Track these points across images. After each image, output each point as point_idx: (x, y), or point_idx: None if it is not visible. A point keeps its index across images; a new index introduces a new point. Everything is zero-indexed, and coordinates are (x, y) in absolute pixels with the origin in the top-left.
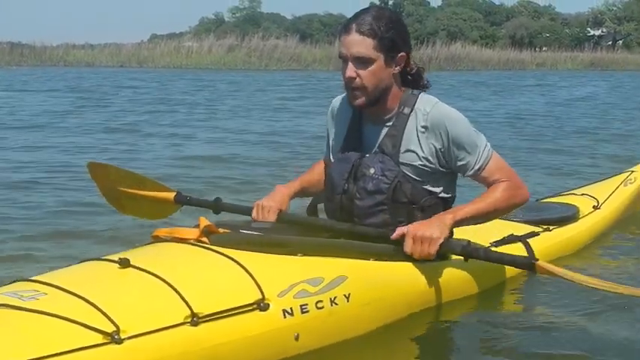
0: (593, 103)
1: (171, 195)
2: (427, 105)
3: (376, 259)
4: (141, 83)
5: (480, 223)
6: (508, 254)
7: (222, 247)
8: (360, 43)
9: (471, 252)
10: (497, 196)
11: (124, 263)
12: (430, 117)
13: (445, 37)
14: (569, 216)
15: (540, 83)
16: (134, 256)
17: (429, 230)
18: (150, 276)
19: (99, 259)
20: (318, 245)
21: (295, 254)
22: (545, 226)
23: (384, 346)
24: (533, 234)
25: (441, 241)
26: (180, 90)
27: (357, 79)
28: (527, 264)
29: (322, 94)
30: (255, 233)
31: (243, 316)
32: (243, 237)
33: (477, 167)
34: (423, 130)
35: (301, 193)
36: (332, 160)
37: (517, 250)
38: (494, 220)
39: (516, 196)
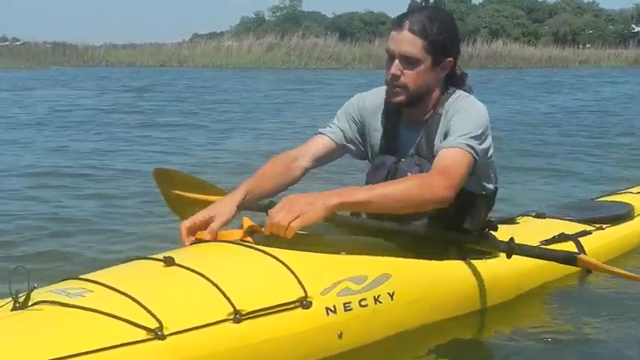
0: None
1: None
2: (454, 99)
3: (421, 258)
4: (217, 82)
5: (384, 212)
6: (550, 249)
7: (266, 246)
8: (410, 42)
9: (513, 248)
10: (407, 186)
11: (169, 262)
12: (449, 110)
13: (487, 34)
14: (623, 214)
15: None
16: (178, 255)
17: (301, 206)
18: (193, 274)
19: (145, 257)
20: (362, 244)
21: (339, 253)
22: (598, 225)
23: (427, 346)
24: (585, 232)
25: (305, 222)
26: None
27: (402, 78)
28: (570, 258)
29: None
30: (301, 232)
31: (286, 313)
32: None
33: (442, 144)
34: (444, 125)
35: (246, 200)
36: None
37: (568, 248)
38: (545, 219)
39: (427, 194)
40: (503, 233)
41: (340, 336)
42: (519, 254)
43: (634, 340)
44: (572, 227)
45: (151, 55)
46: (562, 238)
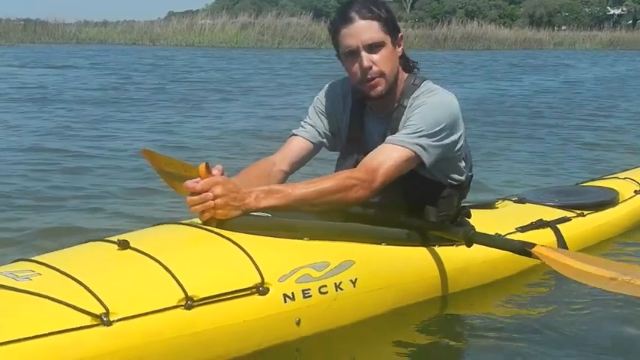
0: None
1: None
2: (420, 93)
3: (387, 244)
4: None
5: (293, 211)
6: (508, 240)
7: (227, 230)
8: (368, 29)
9: (471, 237)
10: (325, 187)
11: (123, 245)
12: (412, 104)
13: (463, 15)
14: (606, 201)
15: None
16: (135, 238)
17: (234, 202)
18: (147, 258)
19: (101, 239)
20: (326, 229)
21: (301, 238)
22: (579, 211)
23: (390, 333)
24: (565, 219)
25: (221, 214)
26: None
27: (374, 67)
28: (524, 250)
29: None
30: (262, 216)
31: (241, 300)
32: (249, 220)
33: (388, 139)
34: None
35: None
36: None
37: (546, 235)
38: (525, 205)
39: (345, 196)
40: (480, 218)
41: (298, 323)
42: (478, 243)
43: (601, 332)
44: (552, 213)
45: (122, 33)
46: (539, 224)
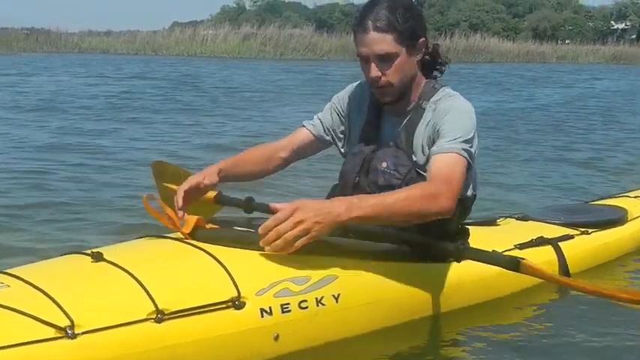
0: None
1: (212, 194)
2: (441, 96)
3: (375, 259)
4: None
5: (380, 223)
6: (497, 254)
7: (207, 243)
8: (381, 41)
9: (462, 251)
10: (410, 198)
11: (97, 257)
12: (437, 108)
13: (467, 28)
14: (614, 219)
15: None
16: (111, 250)
17: (311, 220)
18: (120, 271)
19: (78, 252)
20: (310, 243)
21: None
22: (583, 229)
23: (375, 352)
24: (567, 237)
25: (312, 240)
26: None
27: (383, 78)
28: (512, 263)
29: None
30: (245, 229)
31: (215, 314)
32: (230, 233)
33: (435, 149)
34: (428, 123)
35: (227, 170)
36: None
37: (545, 253)
38: (528, 222)
39: (432, 205)
40: (478, 235)
41: (276, 338)
42: (468, 258)
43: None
44: (554, 231)
45: (125, 43)
46: (540, 241)
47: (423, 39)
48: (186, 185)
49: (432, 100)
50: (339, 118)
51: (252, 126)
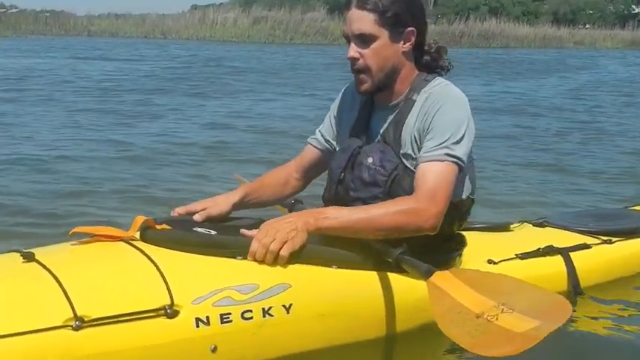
0: None
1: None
2: (433, 87)
3: (339, 267)
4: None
5: (364, 237)
6: (418, 263)
7: (152, 245)
8: (359, 19)
9: (399, 259)
10: (394, 213)
11: (29, 257)
12: (428, 99)
13: (486, 12)
14: None
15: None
16: (47, 251)
17: (286, 231)
18: (45, 273)
19: (17, 251)
20: None
21: (234, 257)
22: (606, 238)
23: None
24: (583, 246)
25: (294, 248)
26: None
27: (360, 60)
28: (422, 275)
29: None
30: (201, 231)
31: (144, 322)
32: (180, 235)
33: (423, 155)
34: (418, 115)
35: (242, 202)
36: (336, 148)
37: (552, 264)
38: (545, 228)
39: (411, 222)
40: (479, 242)
41: (214, 350)
42: (403, 267)
43: None
44: (570, 239)
45: (134, 26)
46: (547, 250)
47: (412, 28)
48: (182, 210)
49: (423, 90)
50: (335, 119)
51: None
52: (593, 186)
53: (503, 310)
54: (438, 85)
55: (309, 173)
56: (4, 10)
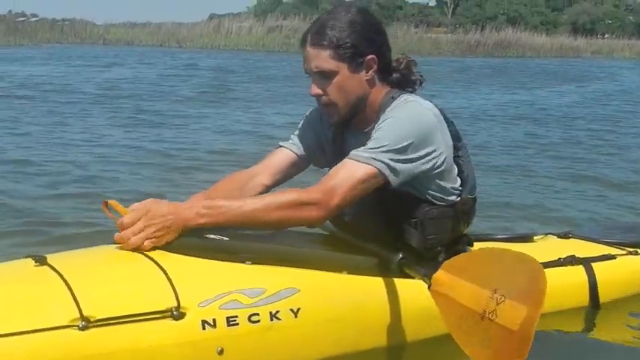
0: None
1: None
2: (395, 105)
3: (350, 272)
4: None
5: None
6: (422, 269)
7: (161, 250)
8: (316, 57)
9: (400, 264)
10: (279, 204)
11: (41, 261)
12: (382, 117)
13: (504, 21)
14: None
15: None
16: (58, 256)
17: (160, 222)
18: (55, 275)
19: (32, 256)
20: (274, 254)
21: (243, 262)
22: (632, 249)
23: None
24: (607, 257)
25: (159, 244)
26: None
27: (324, 97)
28: (423, 279)
29: None
30: (213, 237)
31: (150, 323)
32: (188, 241)
33: (350, 155)
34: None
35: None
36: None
37: (572, 274)
38: (570, 240)
39: (297, 214)
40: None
41: (221, 353)
42: (404, 271)
43: None
44: (593, 249)
45: (149, 35)
46: (568, 261)
47: (371, 56)
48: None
49: (388, 109)
50: (313, 132)
51: None
52: (618, 197)
53: (497, 300)
54: (403, 102)
55: (278, 178)
56: (24, 18)
